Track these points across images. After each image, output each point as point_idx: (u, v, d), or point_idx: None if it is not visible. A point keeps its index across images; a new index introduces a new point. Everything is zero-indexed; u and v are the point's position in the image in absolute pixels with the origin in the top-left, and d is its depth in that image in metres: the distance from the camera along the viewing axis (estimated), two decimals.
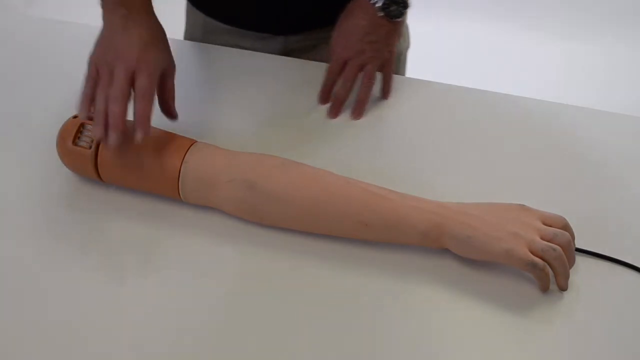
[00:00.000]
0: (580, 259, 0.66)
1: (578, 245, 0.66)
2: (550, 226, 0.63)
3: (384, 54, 0.84)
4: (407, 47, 1.08)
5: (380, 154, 0.79)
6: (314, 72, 0.89)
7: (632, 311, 0.62)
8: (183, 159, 0.67)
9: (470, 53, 2.33)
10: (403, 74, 1.06)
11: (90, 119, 0.68)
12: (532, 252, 0.60)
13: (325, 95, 0.85)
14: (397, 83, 0.91)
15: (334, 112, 0.84)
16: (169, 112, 0.74)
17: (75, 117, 0.70)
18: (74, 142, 0.69)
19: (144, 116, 0.66)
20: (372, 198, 0.65)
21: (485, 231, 0.62)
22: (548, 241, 0.61)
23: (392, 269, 0.65)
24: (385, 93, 0.88)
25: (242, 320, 0.61)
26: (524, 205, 0.64)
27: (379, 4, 0.81)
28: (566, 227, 0.64)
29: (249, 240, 0.67)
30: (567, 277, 0.62)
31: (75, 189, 0.73)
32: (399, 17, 0.82)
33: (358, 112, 0.84)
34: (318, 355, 0.58)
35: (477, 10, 2.48)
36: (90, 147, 0.69)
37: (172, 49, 0.73)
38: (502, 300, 0.62)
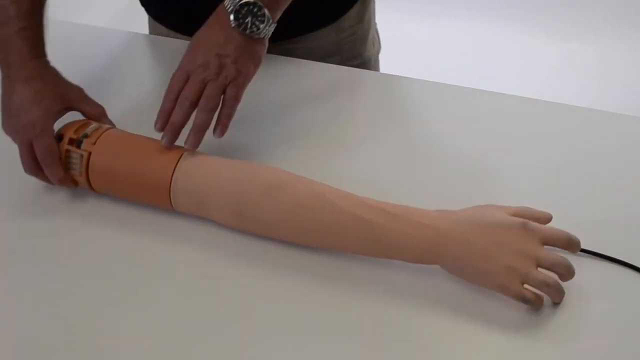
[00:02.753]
0: (580, 259, 0.65)
1: None
2: (554, 244, 0.61)
3: (230, 72, 0.70)
4: (378, 50, 1.06)
5: (379, 154, 0.79)
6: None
7: (632, 311, 0.62)
8: (172, 177, 0.67)
9: (470, 53, 2.33)
10: None
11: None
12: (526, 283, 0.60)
13: (164, 117, 0.70)
14: (392, 82, 0.90)
15: (168, 139, 0.69)
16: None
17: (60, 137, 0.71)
18: (66, 172, 0.70)
19: (50, 177, 0.70)
20: (364, 227, 0.63)
21: (479, 265, 0.61)
22: (547, 268, 0.60)
23: (385, 283, 0.64)
24: (217, 125, 0.71)
25: (235, 331, 0.61)
26: (526, 223, 0.61)
27: (230, 9, 0.70)
28: (569, 242, 0.62)
29: (241, 253, 0.67)
30: (561, 297, 0.61)
31: (69, 197, 0.73)
32: (255, 33, 0.71)
33: (192, 141, 0.69)
34: None
35: (477, 10, 2.48)
36: (82, 173, 0.70)
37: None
38: (501, 299, 0.62)
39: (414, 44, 2.31)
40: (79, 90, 0.75)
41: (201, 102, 0.69)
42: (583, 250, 0.66)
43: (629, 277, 0.65)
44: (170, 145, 0.69)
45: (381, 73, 1.03)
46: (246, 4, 0.69)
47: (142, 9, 1.01)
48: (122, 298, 0.64)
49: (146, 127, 0.71)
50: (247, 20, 0.70)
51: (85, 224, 0.71)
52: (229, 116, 0.70)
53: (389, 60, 1.14)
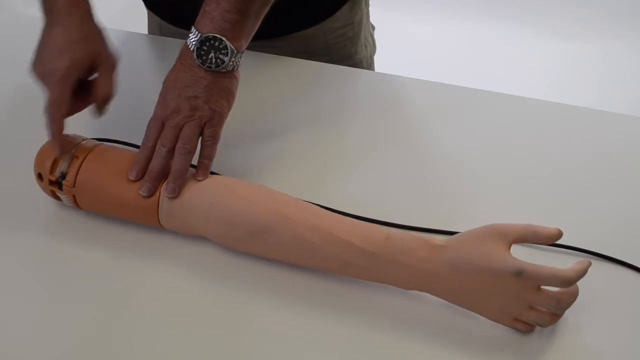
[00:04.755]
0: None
1: (578, 245, 0.66)
2: (552, 285, 0.58)
3: (205, 112, 0.68)
4: (372, 53, 1.05)
5: (376, 154, 0.79)
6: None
7: (632, 311, 0.62)
8: (159, 202, 0.66)
9: (470, 53, 2.33)
10: None
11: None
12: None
13: (141, 165, 0.67)
14: (389, 82, 0.90)
15: (146, 188, 0.66)
16: (97, 109, 0.71)
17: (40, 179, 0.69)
18: (59, 199, 0.70)
19: (51, 133, 0.66)
20: (345, 269, 0.63)
21: (469, 306, 0.61)
22: (542, 307, 0.59)
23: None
24: (198, 167, 0.68)
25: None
26: (521, 273, 0.57)
27: (192, 47, 0.68)
28: (568, 283, 0.58)
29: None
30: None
31: (55, 216, 0.72)
32: (221, 67, 0.68)
33: (171, 188, 0.66)
34: None
35: (477, 10, 2.48)
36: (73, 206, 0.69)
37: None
38: None
39: (414, 44, 2.31)
40: (112, 61, 0.71)
41: (178, 145, 0.67)
42: (583, 251, 0.66)
43: (629, 277, 0.65)
44: (150, 195, 0.66)
45: (369, 71, 1.02)
46: (207, 39, 0.67)
47: (142, 9, 1.01)
48: (109, 315, 0.63)
49: (144, 127, 0.70)
50: (210, 56, 0.67)
51: (72, 239, 0.70)
52: (210, 157, 0.69)
53: (390, 60, 1.14)
